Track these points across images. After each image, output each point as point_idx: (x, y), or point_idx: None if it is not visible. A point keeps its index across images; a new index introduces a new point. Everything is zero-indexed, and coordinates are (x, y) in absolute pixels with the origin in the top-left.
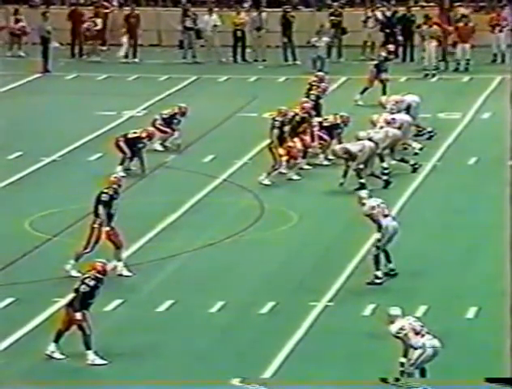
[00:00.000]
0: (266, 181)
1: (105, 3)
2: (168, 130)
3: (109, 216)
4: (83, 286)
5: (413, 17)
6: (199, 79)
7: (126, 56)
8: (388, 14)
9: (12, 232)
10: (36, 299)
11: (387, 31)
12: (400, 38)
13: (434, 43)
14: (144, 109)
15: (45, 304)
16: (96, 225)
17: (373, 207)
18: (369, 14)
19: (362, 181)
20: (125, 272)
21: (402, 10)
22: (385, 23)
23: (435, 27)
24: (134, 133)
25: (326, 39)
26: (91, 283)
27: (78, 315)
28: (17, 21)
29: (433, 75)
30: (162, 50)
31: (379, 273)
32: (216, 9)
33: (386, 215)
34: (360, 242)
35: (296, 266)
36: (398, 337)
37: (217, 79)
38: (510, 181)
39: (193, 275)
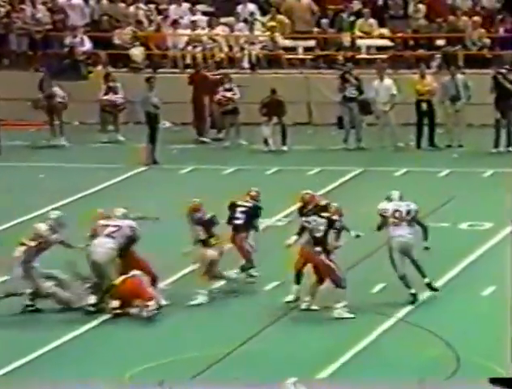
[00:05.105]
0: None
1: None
2: None
3: None
4: None
5: None
6: (365, 172)
7: (267, 142)
8: None
9: None
10: None
11: None
12: None
13: None
14: (286, 217)
15: None
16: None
17: None
18: None
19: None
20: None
21: None
22: None
23: None
24: None
25: None
26: None
27: None
28: (109, 90)
29: None
30: (313, 131)
31: None
32: (390, 71)
33: None
34: None
35: None
36: None
37: (393, 173)
38: None
39: None
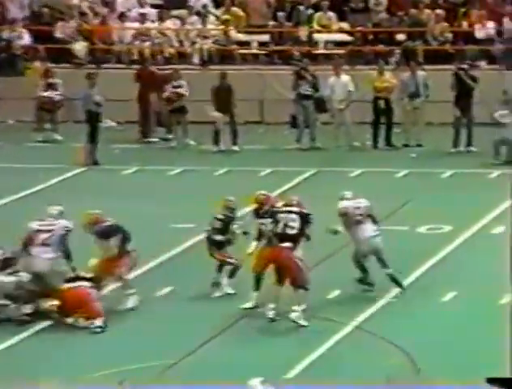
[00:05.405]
0: None
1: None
2: None
3: None
4: None
5: None
6: (320, 172)
7: (217, 142)
8: None
9: None
10: None
11: None
12: None
13: None
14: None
15: None
16: None
17: None
18: None
19: None
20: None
21: None
22: None
23: None
24: None
25: None
26: None
27: None
28: (48, 87)
29: None
30: (265, 130)
31: None
32: (347, 67)
33: None
34: None
35: None
36: None
37: (349, 174)
38: None
39: None
